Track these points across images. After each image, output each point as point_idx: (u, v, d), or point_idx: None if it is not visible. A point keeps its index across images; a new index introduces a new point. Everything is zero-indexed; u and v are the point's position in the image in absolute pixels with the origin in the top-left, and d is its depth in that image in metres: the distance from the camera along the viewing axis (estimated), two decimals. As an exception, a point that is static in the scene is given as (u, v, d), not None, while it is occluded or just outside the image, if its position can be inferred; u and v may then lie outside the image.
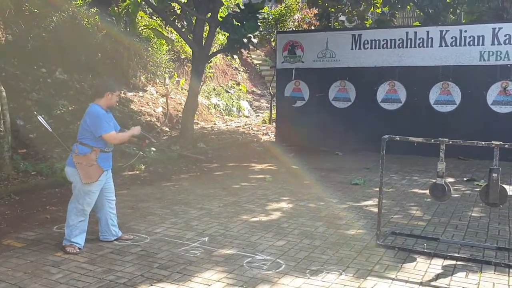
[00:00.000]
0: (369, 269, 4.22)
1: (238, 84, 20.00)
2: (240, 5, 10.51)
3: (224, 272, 4.12)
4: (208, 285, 3.88)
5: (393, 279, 4.02)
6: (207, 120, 15.73)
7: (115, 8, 13.95)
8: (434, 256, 4.52)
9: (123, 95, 13.64)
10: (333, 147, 11.56)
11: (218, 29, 11.80)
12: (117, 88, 4.77)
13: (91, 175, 4.50)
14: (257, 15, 10.34)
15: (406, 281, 3.98)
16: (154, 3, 12.13)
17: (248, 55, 22.14)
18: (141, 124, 11.01)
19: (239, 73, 21.00)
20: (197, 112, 15.38)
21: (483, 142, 4.58)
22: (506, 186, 4.70)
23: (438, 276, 4.09)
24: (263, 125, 15.86)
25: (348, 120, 11.60)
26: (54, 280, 3.93)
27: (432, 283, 3.95)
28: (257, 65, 22.02)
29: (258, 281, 3.96)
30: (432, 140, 4.73)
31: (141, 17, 15.58)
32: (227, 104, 17.50)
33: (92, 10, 13.41)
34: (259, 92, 21.02)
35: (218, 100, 17.31)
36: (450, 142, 4.64)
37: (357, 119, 11.44)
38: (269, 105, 17.33)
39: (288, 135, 12.59)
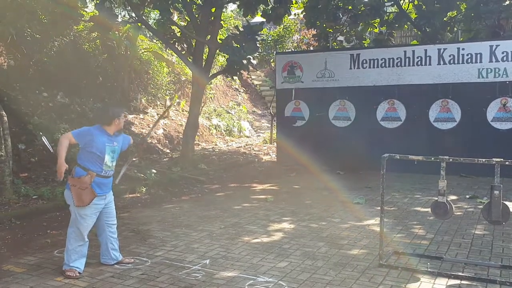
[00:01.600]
0: (372, 290, 4.18)
1: (239, 104, 20.10)
2: (239, 27, 10.57)
3: (226, 295, 4.08)
4: (209, 308, 3.84)
5: (396, 299, 3.98)
6: (208, 141, 15.75)
7: (116, 32, 14.12)
8: (438, 275, 4.48)
9: (124, 117, 13.69)
10: (334, 166, 11.53)
11: (218, 50, 11.91)
12: (122, 111, 4.79)
13: (83, 198, 4.46)
14: (256, 36, 10.44)
15: (410, 302, 3.93)
16: (154, 26, 12.28)
17: (248, 76, 22.32)
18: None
19: (240, 94, 21.13)
20: (198, 133, 15.44)
21: (483, 160, 4.57)
22: (509, 203, 4.67)
23: (442, 296, 4.05)
24: (264, 145, 15.88)
25: (348, 139, 11.59)
26: (54, 306, 3.89)
27: (437, 303, 3.91)
28: (258, 86, 22.17)
29: (260, 303, 3.91)
30: (433, 158, 4.72)
31: (142, 40, 15.75)
32: (227, 125, 17.56)
33: (93, 34, 13.58)
34: (259, 112, 21.12)
35: (219, 121, 17.37)
36: (451, 160, 4.63)
37: (357, 137, 11.43)
38: (269, 125, 17.38)
39: (289, 155, 12.58)
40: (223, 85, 20.28)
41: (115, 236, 4.84)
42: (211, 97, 18.51)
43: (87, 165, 4.51)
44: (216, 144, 15.58)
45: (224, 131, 17.22)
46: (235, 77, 19.47)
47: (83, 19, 11.93)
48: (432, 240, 5.70)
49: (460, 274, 4.48)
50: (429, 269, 4.57)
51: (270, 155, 14.15)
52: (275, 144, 14.02)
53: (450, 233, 5.97)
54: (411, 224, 6.46)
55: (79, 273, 4.52)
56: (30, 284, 4.33)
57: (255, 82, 22.31)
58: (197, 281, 4.43)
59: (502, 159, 4.45)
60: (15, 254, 5.18)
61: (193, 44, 11.56)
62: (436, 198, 4.86)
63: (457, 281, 4.35)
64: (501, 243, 5.53)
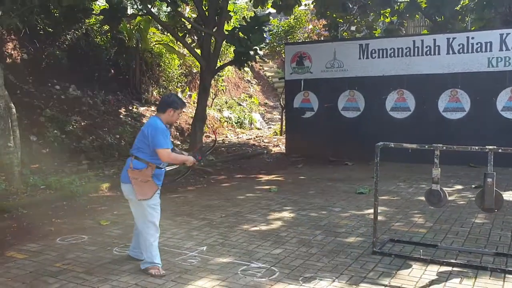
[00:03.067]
0: (362, 276, 4.21)
1: (251, 96, 20.14)
2: (247, 18, 10.59)
3: (218, 280, 4.16)
4: (200, 292, 3.93)
5: (385, 285, 4.01)
6: (218, 133, 15.85)
7: (127, 25, 14.27)
8: (430, 262, 4.49)
9: (136, 109, 13.88)
10: (342, 157, 11.53)
11: (226, 42, 11.96)
12: (181, 106, 4.47)
13: (146, 191, 4.29)
14: (263, 27, 10.43)
15: (399, 288, 3.97)
16: (165, 19, 12.38)
17: (261, 68, 22.32)
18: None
19: (252, 85, 21.16)
20: (209, 125, 15.56)
21: (476, 147, 4.55)
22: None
23: (432, 282, 4.06)
24: (274, 137, 15.92)
25: (357, 130, 11.58)
26: (50, 289, 4.03)
27: (425, 289, 3.93)
28: (270, 77, 22.16)
29: (250, 288, 3.99)
30: (426, 146, 4.72)
31: (153, 33, 15.88)
32: (239, 117, 17.63)
33: (105, 27, 13.75)
34: (271, 104, 21.13)
35: (230, 113, 17.44)
36: (444, 148, 4.63)
37: (366, 128, 11.40)
38: (281, 117, 17.39)
39: (298, 146, 12.64)
40: (235, 77, 20.33)
41: None
42: (222, 89, 18.59)
43: (146, 157, 4.32)
44: (226, 136, 15.67)
45: (235, 123, 17.30)
46: (247, 69, 19.64)
47: (93, 12, 12.05)
48: (430, 228, 5.70)
49: (452, 261, 4.48)
50: (421, 256, 4.58)
51: (279, 146, 14.18)
52: (285, 135, 14.05)
53: (450, 222, 5.96)
54: (411, 213, 6.45)
55: (162, 270, 4.36)
56: (30, 270, 4.48)
57: (268, 74, 22.31)
58: (192, 266, 4.52)
59: (495, 147, 4.43)
60: (18, 241, 5.35)
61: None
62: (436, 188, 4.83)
63: (449, 268, 4.35)
64: (499, 232, 5.51)
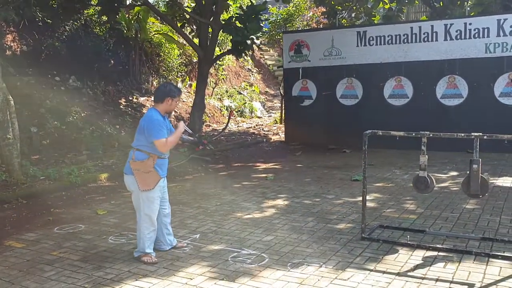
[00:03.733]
0: (349, 261, 4.31)
1: (251, 85, 20.17)
2: (243, 7, 10.62)
3: (208, 267, 4.28)
4: (190, 278, 4.04)
5: (371, 270, 4.11)
6: (219, 122, 15.94)
7: (126, 15, 14.31)
8: (417, 247, 4.58)
9: (136, 100, 13.97)
10: (340, 144, 11.60)
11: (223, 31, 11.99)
12: (178, 94, 4.57)
13: (149, 182, 4.37)
14: (260, 16, 10.46)
15: (384, 272, 4.06)
16: (164, 9, 12.40)
17: (261, 56, 22.31)
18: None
19: (252, 74, 21.17)
20: (209, 115, 15.65)
21: (462, 134, 4.62)
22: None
23: (416, 267, 4.15)
24: (274, 125, 15.99)
25: (355, 117, 11.62)
26: (46, 277, 4.16)
27: (409, 274, 4.02)
28: (270, 66, 22.15)
29: (239, 274, 4.09)
30: (414, 134, 4.78)
31: (152, 23, 15.91)
32: (239, 106, 17.67)
33: (104, 18, 13.79)
34: (272, 92, 21.16)
35: (231, 102, 17.50)
36: (431, 135, 4.69)
37: (364, 115, 11.44)
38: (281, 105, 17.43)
39: (297, 134, 12.71)
40: (236, 66, 20.35)
41: (169, 221, 4.75)
42: (223, 78, 18.63)
43: (146, 149, 4.39)
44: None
45: (236, 112, 17.35)
46: (247, 58, 19.63)
47: (91, 3, 12.10)
48: (421, 214, 5.79)
49: (438, 246, 4.57)
50: (408, 242, 4.68)
51: (279, 135, 14.26)
52: (284, 124, 14.11)
53: (441, 208, 6.04)
54: (404, 200, 6.53)
55: (154, 257, 4.47)
56: (27, 258, 4.61)
57: (268, 62, 22.31)
58: (184, 254, 4.63)
59: (480, 134, 4.49)
60: (17, 231, 5.48)
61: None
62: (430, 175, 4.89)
63: (435, 253, 4.45)
64: (488, 217, 5.58)
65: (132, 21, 14.45)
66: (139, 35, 14.54)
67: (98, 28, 14.29)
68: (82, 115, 11.69)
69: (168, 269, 4.26)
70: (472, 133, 4.51)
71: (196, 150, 4.86)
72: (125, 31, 14.51)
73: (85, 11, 13.97)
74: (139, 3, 12.13)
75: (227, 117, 16.63)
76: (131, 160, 4.43)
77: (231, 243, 4.89)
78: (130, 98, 13.87)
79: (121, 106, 13.18)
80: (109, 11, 11.47)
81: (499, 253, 4.34)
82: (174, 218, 5.83)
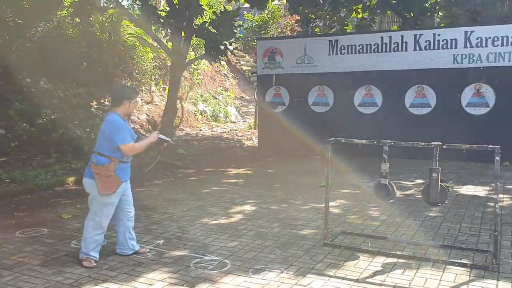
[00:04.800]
0: (310, 267, 4.36)
1: (227, 90, 20.20)
2: (217, 13, 10.66)
3: (170, 273, 4.27)
4: (150, 284, 4.02)
5: (330, 276, 4.16)
6: (193, 127, 15.90)
7: (99, 17, 14.18)
8: (377, 254, 4.66)
9: (108, 102, 13.83)
10: (312, 151, 11.68)
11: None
12: (135, 95, 4.59)
13: (109, 186, 4.36)
14: (233, 22, 10.50)
15: (343, 278, 4.12)
16: (138, 12, 12.33)
17: (237, 62, 22.37)
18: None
19: (228, 79, 21.21)
20: (183, 119, 15.60)
21: (422, 143, 4.73)
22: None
23: (375, 273, 4.23)
24: (248, 130, 16.04)
25: (326, 124, 11.70)
26: (2, 282, 4.08)
27: (368, 280, 4.09)
28: (246, 71, 22.23)
29: (200, 280, 4.10)
30: (375, 142, 4.88)
31: (127, 25, 15.80)
32: (214, 110, 17.68)
33: (77, 19, 13.63)
34: (247, 98, 21.22)
35: (205, 107, 17.49)
36: (392, 144, 4.79)
37: (335, 123, 11.53)
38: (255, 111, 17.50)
39: (270, 140, 12.78)
40: (211, 71, 20.36)
41: (132, 225, 4.71)
42: (198, 83, 18.60)
43: (108, 153, 4.38)
44: (200, 130, 15.73)
45: (210, 116, 17.36)
46: (223, 63, 19.66)
47: (63, 4, 11.96)
48: (384, 221, 5.89)
49: (398, 253, 4.67)
50: (369, 248, 4.76)
51: (252, 140, 14.31)
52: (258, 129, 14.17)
53: (404, 215, 6.16)
54: (369, 206, 6.64)
55: (95, 261, 4.45)
56: (-16, 262, 4.52)
57: (244, 68, 22.39)
58: (146, 259, 4.61)
59: (440, 143, 4.61)
60: (-23, 235, 5.37)
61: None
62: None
63: (394, 260, 4.54)
64: (449, 224, 5.72)
65: (106, 24, 14.33)
66: (112, 38, 14.42)
67: (71, 30, 14.11)
68: (52, 117, 11.50)
69: (129, 274, 4.24)
70: (432, 142, 4.62)
71: (162, 149, 4.88)
72: (98, 33, 14.37)
73: (58, 13, 13.79)
74: (112, 6, 12.06)
75: (200, 122, 16.63)
76: (92, 164, 4.41)
77: (194, 249, 4.89)
78: (102, 101, 13.71)
79: (92, 109, 13.02)
80: (82, 13, 11.37)
81: (455, 260, 4.45)
82: (139, 224, 5.81)
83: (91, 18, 12.79)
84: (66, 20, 14.03)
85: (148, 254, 4.75)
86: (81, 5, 10.90)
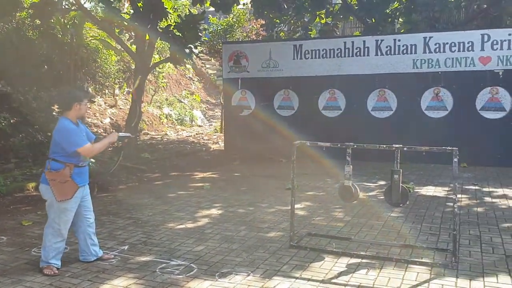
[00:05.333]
0: (276, 269, 4.40)
1: (192, 93, 20.10)
2: (182, 16, 10.61)
3: (135, 278, 4.22)
4: (115, 291, 3.97)
5: (296, 278, 4.21)
6: (157, 130, 15.74)
7: (61, 19, 13.87)
8: (342, 255, 4.75)
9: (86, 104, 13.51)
10: (278, 154, 11.78)
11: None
12: (85, 96, 4.49)
13: (66, 192, 4.27)
14: (198, 26, 10.48)
15: (309, 280, 4.17)
16: (101, 15, 12.14)
17: (203, 65, 22.31)
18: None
19: (194, 82, 21.12)
20: (147, 122, 15.43)
21: (384, 146, 4.85)
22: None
23: (340, 274, 4.31)
24: (215, 134, 16.01)
25: (292, 128, 11.81)
26: (-41, 292, 3.94)
27: (333, 281, 4.16)
28: (212, 75, 22.19)
29: (166, 285, 4.07)
30: (339, 145, 4.97)
31: (89, 28, 15.52)
32: (179, 114, 17.56)
33: (37, 21, 13.29)
34: (213, 101, 21.19)
35: (170, 110, 17.35)
36: (355, 146, 4.90)
37: (300, 126, 11.68)
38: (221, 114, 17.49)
39: (236, 144, 12.80)
40: (177, 74, 20.22)
41: (93, 231, 4.62)
42: (163, 86, 18.44)
43: (62, 158, 4.27)
44: (166, 134, 15.59)
45: (176, 120, 17.23)
46: (188, 66, 19.57)
47: (23, 5, 11.64)
48: (348, 222, 6.00)
49: (362, 253, 4.77)
50: (334, 249, 4.84)
51: (219, 144, 14.29)
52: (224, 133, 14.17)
53: (367, 216, 6.29)
54: (333, 208, 6.75)
55: (57, 269, 4.34)
56: None
57: (210, 71, 22.34)
58: (111, 265, 4.54)
59: (401, 145, 4.74)
60: None
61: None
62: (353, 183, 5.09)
63: (358, 260, 4.63)
64: (410, 225, 5.88)
65: (68, 26, 14.03)
66: (74, 40, 14.13)
67: (31, 31, 13.75)
68: (12, 121, 11.17)
69: (93, 281, 4.16)
70: (393, 145, 4.75)
71: (123, 144, 4.86)
72: (60, 36, 14.06)
73: (17, 14, 13.41)
74: (74, 8, 11.82)
75: (165, 125, 16.47)
76: (47, 170, 4.31)
77: (160, 254, 4.85)
78: (64, 105, 13.40)
79: (54, 113, 12.70)
80: (42, 14, 11.09)
81: (417, 259, 4.58)
82: (103, 229, 5.72)
83: (52, 20, 12.49)
84: (26, 22, 13.66)
85: (113, 260, 4.68)
86: (42, 7, 10.63)
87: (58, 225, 4.34)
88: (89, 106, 4.45)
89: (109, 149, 12.02)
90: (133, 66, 16.95)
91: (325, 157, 10.10)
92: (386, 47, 11.12)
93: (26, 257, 4.76)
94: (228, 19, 19.31)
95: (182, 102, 18.65)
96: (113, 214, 6.43)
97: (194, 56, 11.26)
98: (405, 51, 11.01)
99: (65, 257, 4.62)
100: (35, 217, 6.34)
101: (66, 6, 13.14)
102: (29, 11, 12.42)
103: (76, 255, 4.73)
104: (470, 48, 10.50)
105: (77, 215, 4.47)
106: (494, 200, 7.32)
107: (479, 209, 6.70)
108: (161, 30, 10.68)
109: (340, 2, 14.16)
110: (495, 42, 10.35)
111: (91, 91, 14.70)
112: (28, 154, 10.35)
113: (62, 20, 14.04)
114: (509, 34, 10.30)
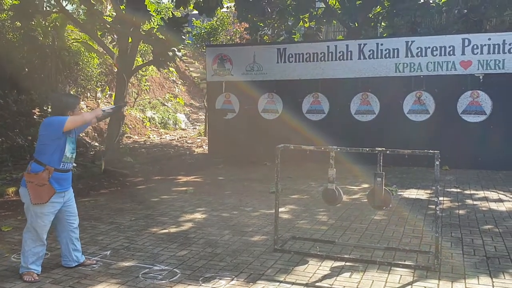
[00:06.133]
0: (261, 273, 4.38)
1: (176, 97, 20.01)
2: (165, 19, 10.56)
3: (117, 284, 4.16)
4: (97, 297, 3.91)
5: (280, 281, 4.20)
6: (140, 134, 15.62)
7: (42, 22, 13.68)
8: (326, 258, 4.75)
9: (50, 110, 13.34)
10: (262, 157, 11.78)
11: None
12: (77, 103, 4.45)
13: (41, 195, 4.16)
14: (181, 28, 10.44)
15: (293, 283, 4.17)
16: (83, 17, 12.01)
17: (186, 68, 22.23)
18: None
19: (177, 86, 21.02)
20: (130, 126, 15.30)
21: (367, 149, 4.88)
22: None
23: (324, 277, 4.31)
24: (198, 137, 15.95)
25: (276, 131, 11.82)
26: None
27: (317, 284, 4.16)
28: (196, 78, 22.13)
29: (149, 290, 4.03)
30: (322, 148, 4.99)
31: (71, 30, 15.34)
32: (163, 117, 17.46)
33: (17, 23, 13.10)
34: (197, 104, 21.12)
35: (154, 113, 17.24)
36: (338, 149, 4.92)
37: (284, 130, 11.67)
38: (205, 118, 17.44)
39: (220, 147, 12.76)
40: (160, 77, 20.11)
41: (76, 236, 4.54)
42: (146, 89, 18.33)
43: (44, 160, 4.20)
44: (149, 137, 15.48)
45: (159, 123, 17.13)
46: (172, 69, 19.48)
47: (3, 7, 11.46)
48: (331, 225, 6.02)
49: (345, 256, 4.78)
50: (318, 253, 4.84)
51: (203, 147, 14.24)
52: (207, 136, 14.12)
53: (351, 219, 6.32)
54: (317, 211, 6.76)
55: (37, 275, 4.25)
56: None
57: (193, 74, 22.27)
58: (93, 271, 4.47)
59: (384, 148, 4.77)
60: None
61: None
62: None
63: (342, 263, 4.64)
64: (393, 227, 5.92)
65: (49, 28, 13.84)
66: (56, 43, 13.95)
67: (11, 34, 13.53)
68: (-9, 125, 10.97)
69: (74, 287, 4.10)
70: (376, 148, 4.78)
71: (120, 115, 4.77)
72: (41, 38, 13.86)
73: (-3, 16, 13.21)
74: (55, 10, 11.68)
75: (148, 129, 16.36)
76: (26, 172, 4.25)
77: (143, 259, 4.80)
78: (45, 108, 13.21)
79: (35, 116, 12.52)
80: (23, 16, 10.95)
81: (400, 262, 4.61)
82: (85, 234, 5.63)
83: (33, 22, 12.31)
84: (6, 24, 13.45)
85: (95, 265, 4.62)
86: (23, 9, 10.48)
87: (35, 230, 4.25)
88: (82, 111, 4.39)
89: (91, 153, 11.92)
90: (115, 69, 16.85)
91: (309, 160, 10.16)
92: (369, 51, 11.22)
93: (5, 264, 4.67)
94: (212, 22, 19.29)
95: (165, 105, 18.55)
96: (95, 219, 6.35)
97: (178, 59, 11.20)
98: (387, 55, 11.12)
99: (46, 262, 4.55)
100: (14, 222, 6.22)
101: (48, 8, 12.98)
102: (9, 13, 12.25)
103: (58, 260, 4.65)
104: (451, 52, 10.66)
105: (59, 220, 4.40)
106: (475, 202, 7.42)
107: (461, 212, 6.78)
108: (144, 33, 10.61)
109: (324, 6, 14.25)
110: (475, 47, 10.52)
111: (73, 93, 14.52)
112: (8, 158, 10.17)
113: (43, 22, 13.86)
114: (489, 39, 10.48)
